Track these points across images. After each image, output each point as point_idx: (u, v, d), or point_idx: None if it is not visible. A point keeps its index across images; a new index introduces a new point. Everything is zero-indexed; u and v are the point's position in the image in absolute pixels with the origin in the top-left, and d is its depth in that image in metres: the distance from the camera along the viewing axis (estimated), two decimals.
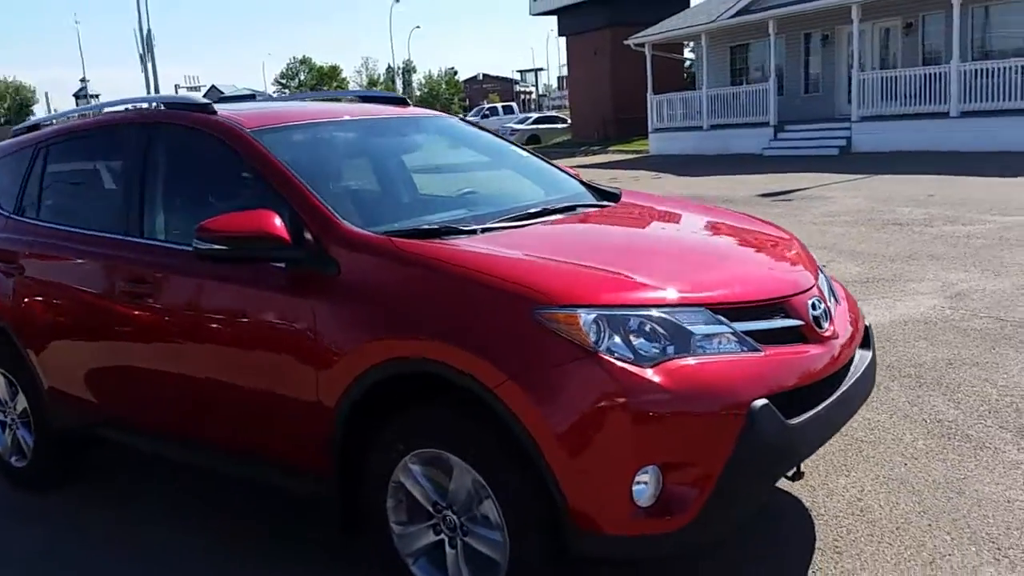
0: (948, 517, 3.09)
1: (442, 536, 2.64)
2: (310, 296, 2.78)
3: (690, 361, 2.34)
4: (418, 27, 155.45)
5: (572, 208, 3.38)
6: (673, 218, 3.52)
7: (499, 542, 2.47)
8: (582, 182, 3.88)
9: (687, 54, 31.16)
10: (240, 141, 3.15)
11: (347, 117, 3.76)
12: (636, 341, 2.34)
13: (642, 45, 25.21)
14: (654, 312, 2.40)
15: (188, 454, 3.38)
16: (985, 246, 7.90)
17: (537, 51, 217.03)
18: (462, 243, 2.76)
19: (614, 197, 3.64)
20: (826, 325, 2.72)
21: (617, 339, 2.32)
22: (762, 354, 2.45)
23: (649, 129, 25.06)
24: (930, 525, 3.05)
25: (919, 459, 3.58)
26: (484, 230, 2.91)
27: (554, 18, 34.42)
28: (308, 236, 2.83)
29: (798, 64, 22.97)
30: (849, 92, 20.15)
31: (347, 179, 3.46)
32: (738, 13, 21.78)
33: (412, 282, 2.61)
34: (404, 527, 2.72)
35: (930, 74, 17.96)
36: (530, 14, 34.86)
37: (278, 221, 2.79)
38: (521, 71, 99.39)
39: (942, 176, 13.61)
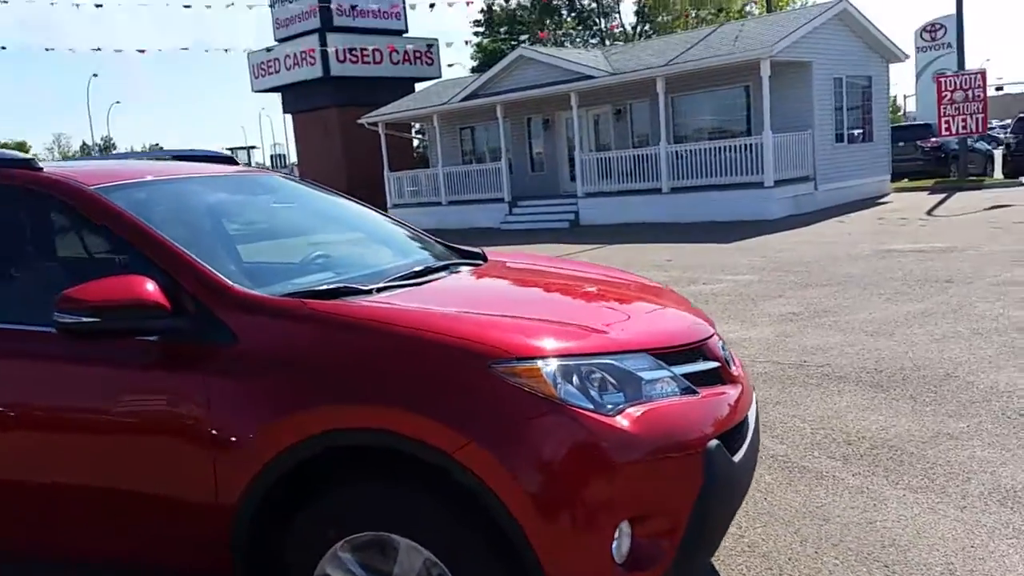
0: (828, 543, 3.30)
1: None
2: (198, 371, 2.43)
3: (646, 407, 2.32)
4: (118, 102, 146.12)
5: (448, 267, 3.28)
6: (559, 274, 3.52)
7: None
8: (438, 241, 3.79)
9: (415, 133, 32.01)
10: (87, 200, 2.73)
11: (189, 175, 3.40)
12: (594, 390, 2.28)
13: (375, 124, 25.56)
14: (607, 360, 2.36)
15: None
16: (731, 301, 8.73)
17: (249, 128, 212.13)
18: (379, 302, 2.56)
19: (480, 256, 3.58)
20: (733, 366, 2.83)
21: (577, 389, 2.25)
22: (699, 396, 2.49)
23: (388, 205, 25.27)
24: (816, 552, 3.24)
25: (774, 492, 3.81)
26: (379, 290, 2.73)
27: (273, 95, 33.93)
28: (189, 302, 2.48)
29: (524, 145, 24.42)
30: (571, 171, 21.78)
31: (211, 240, 3.10)
32: (467, 97, 22.83)
33: (339, 346, 2.36)
34: None
35: (642, 155, 19.84)
36: (252, 91, 34.11)
37: (152, 286, 2.43)
38: (232, 148, 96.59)
39: (670, 244, 14.98)
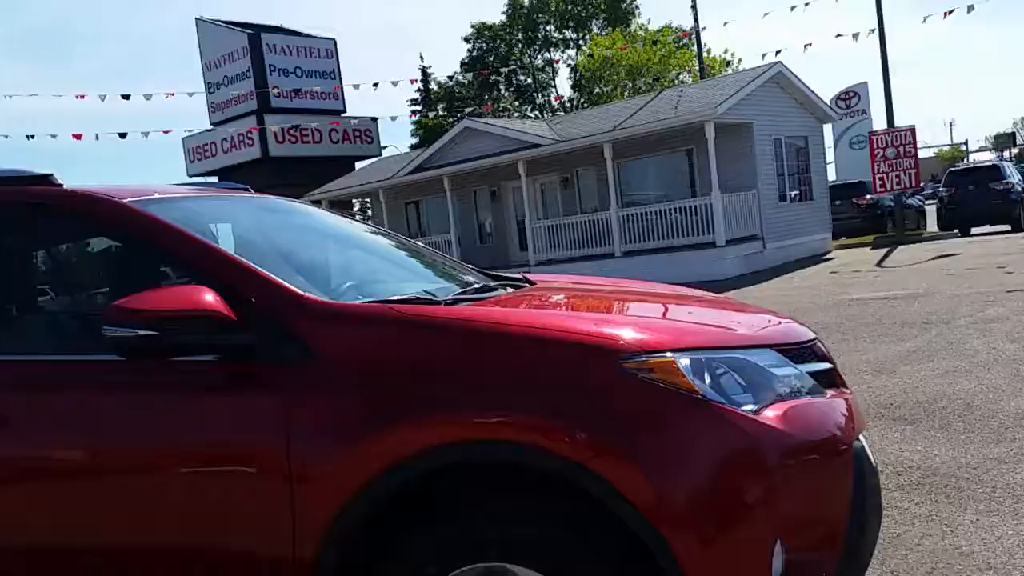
0: (920, 572, 3.07)
1: None
2: (273, 393, 2.12)
3: (786, 405, 2.08)
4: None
5: (504, 285, 3.03)
6: (630, 289, 3.27)
7: None
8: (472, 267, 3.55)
9: (358, 211, 31.84)
10: (124, 213, 2.44)
11: (219, 194, 3.11)
12: (731, 385, 2.04)
13: (318, 202, 25.29)
14: (736, 355, 2.13)
15: None
16: None
17: None
18: (469, 308, 2.30)
19: (526, 280, 3.34)
20: None
21: (713, 385, 2.01)
22: (827, 396, 2.27)
23: None
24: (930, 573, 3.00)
25: None
26: (451, 303, 2.47)
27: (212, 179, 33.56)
28: (256, 316, 2.19)
29: (472, 217, 24.39)
30: (521, 240, 21.77)
31: (266, 252, 2.77)
32: (414, 171, 22.82)
33: (439, 351, 2.09)
34: None
35: (593, 220, 19.95)
36: (188, 175, 33.65)
37: (213, 296, 2.14)
38: None
39: None
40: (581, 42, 45.23)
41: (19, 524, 2.34)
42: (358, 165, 30.59)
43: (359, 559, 2.12)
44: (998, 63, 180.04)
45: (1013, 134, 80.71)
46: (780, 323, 2.57)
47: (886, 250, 19.32)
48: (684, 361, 2.00)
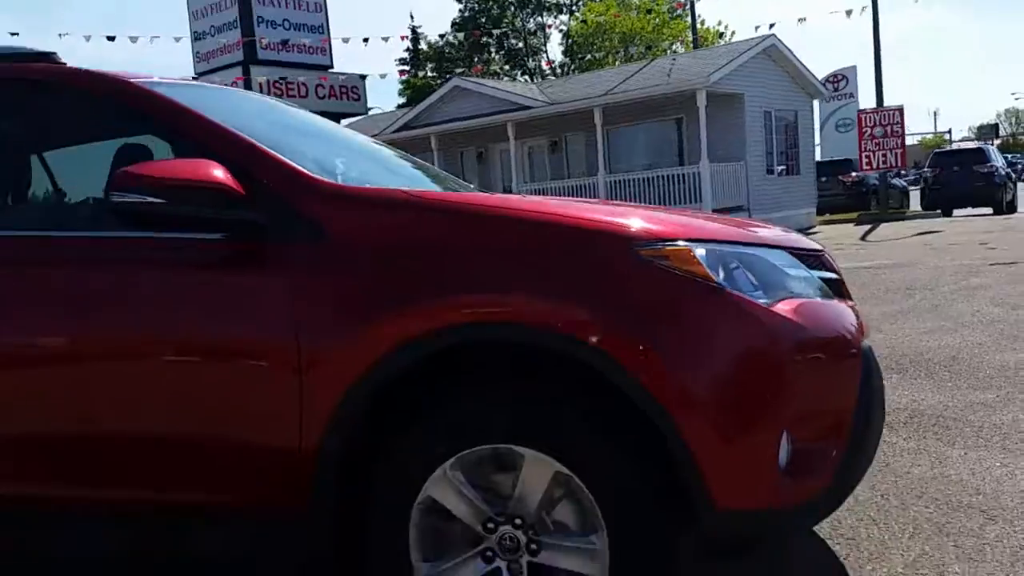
0: (911, 495, 3.14)
1: (497, 564, 2.03)
2: (282, 273, 2.08)
3: (798, 302, 2.07)
4: None
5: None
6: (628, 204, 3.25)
7: (593, 550, 1.95)
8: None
9: None
10: (131, 91, 2.37)
11: (214, 87, 3.05)
12: (745, 278, 2.03)
13: None
14: (751, 250, 2.12)
15: (84, 530, 2.28)
16: None
17: None
18: (483, 195, 2.26)
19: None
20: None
21: (733, 278, 1.99)
22: (835, 301, 2.26)
23: None
24: (902, 504, 3.05)
25: None
26: None
27: None
28: (266, 195, 2.14)
29: (458, 178, 24.27)
30: None
31: (275, 136, 2.68)
32: (401, 128, 22.63)
33: (455, 234, 2.06)
34: (436, 563, 2.06)
35: (581, 186, 19.90)
36: None
37: (223, 172, 2.09)
38: None
39: None
40: (575, 7, 44.85)
41: (17, 409, 2.29)
42: (343, 123, 30.29)
43: (364, 446, 2.09)
44: (984, 56, 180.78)
45: (996, 125, 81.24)
46: (791, 233, 2.56)
47: (870, 226, 19.43)
48: (700, 251, 1.98)
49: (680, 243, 1.98)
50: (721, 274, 1.97)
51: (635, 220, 2.07)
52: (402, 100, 42.63)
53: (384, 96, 57.83)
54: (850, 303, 2.39)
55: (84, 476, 2.23)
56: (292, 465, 2.05)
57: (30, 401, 2.26)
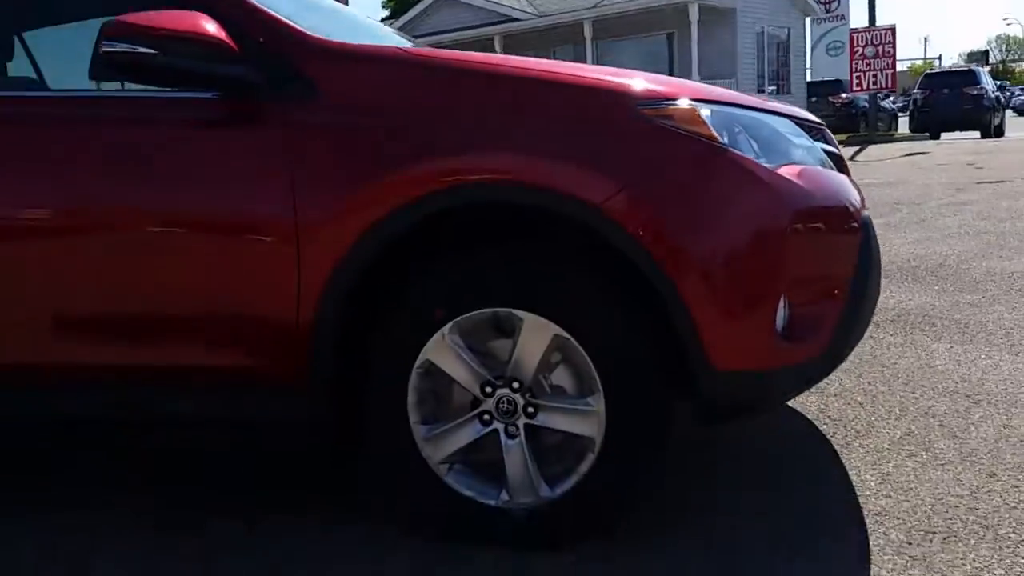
0: (898, 382, 3.19)
1: (494, 426, 2.04)
2: (276, 129, 2.03)
3: (800, 168, 2.05)
4: None
5: None
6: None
7: (589, 411, 1.96)
8: None
9: None
10: None
11: None
12: (749, 142, 2.00)
13: None
14: (755, 115, 2.09)
15: (77, 402, 2.27)
16: None
17: None
18: (483, 55, 2.20)
19: None
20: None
21: (737, 141, 1.97)
22: (836, 173, 2.24)
23: None
24: (889, 389, 3.09)
25: None
26: None
27: None
28: (258, 51, 2.07)
29: None
30: None
31: None
32: None
33: (452, 91, 2.01)
34: (433, 426, 2.07)
35: None
36: None
37: (214, 26, 2.02)
38: None
39: None
40: None
41: (16, 274, 2.24)
42: None
43: (364, 309, 2.08)
44: None
45: (987, 52, 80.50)
46: (786, 105, 2.52)
47: (858, 147, 19.35)
48: (705, 111, 1.95)
49: (684, 102, 1.95)
50: (725, 136, 1.94)
51: (638, 80, 2.02)
52: (386, 12, 41.59)
53: (368, 6, 56.43)
54: (851, 178, 2.37)
55: (87, 340, 2.20)
56: (290, 329, 2.03)
57: (26, 267, 2.21)
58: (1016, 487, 2.22)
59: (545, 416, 2.00)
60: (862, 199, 2.26)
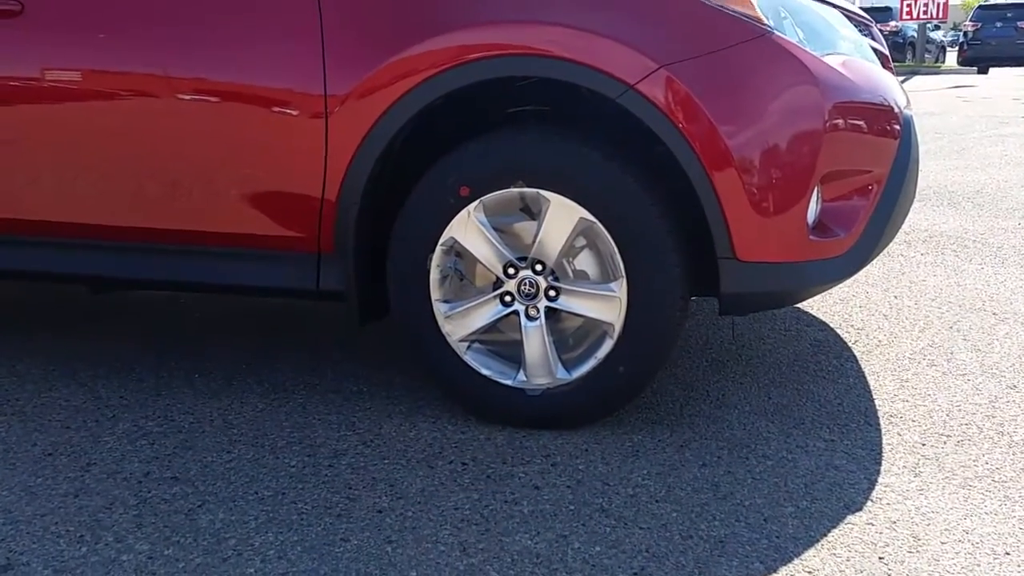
0: (925, 298, 3.16)
1: (515, 307, 2.04)
2: None
3: (846, 58, 1.99)
4: None
5: None
6: None
7: (611, 297, 1.95)
8: None
9: None
10: None
11: None
12: (793, 28, 1.94)
13: None
14: (804, 2, 2.01)
15: (119, 264, 2.29)
16: None
17: None
18: None
19: None
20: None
21: (783, 27, 1.90)
22: (882, 68, 2.17)
23: None
24: (915, 304, 3.06)
25: None
26: None
27: None
28: None
29: None
30: None
31: None
32: None
33: None
34: (455, 304, 2.07)
35: None
36: None
37: None
38: None
39: None
40: None
41: (35, 126, 2.25)
42: None
43: (390, 185, 2.07)
44: None
45: None
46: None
47: (904, 78, 18.79)
48: None
49: None
50: (771, 20, 1.88)
51: None
52: None
53: None
54: (895, 77, 2.30)
55: (115, 205, 2.22)
56: (315, 200, 2.03)
57: (55, 128, 2.22)
58: None
59: (566, 300, 2.00)
60: (907, 99, 2.19)
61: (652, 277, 1.91)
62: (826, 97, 1.85)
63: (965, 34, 21.21)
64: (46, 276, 2.45)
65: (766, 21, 1.85)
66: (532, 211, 2.00)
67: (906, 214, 2.15)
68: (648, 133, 1.84)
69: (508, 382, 2.06)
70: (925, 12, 20.65)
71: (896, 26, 22.86)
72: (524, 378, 2.05)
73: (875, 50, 2.22)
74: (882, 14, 23.71)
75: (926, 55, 22.08)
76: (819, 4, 2.06)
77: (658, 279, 1.91)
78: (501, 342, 2.09)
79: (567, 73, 1.85)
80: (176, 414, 2.23)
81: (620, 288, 1.94)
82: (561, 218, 1.94)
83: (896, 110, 2.05)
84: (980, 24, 20.69)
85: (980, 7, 22.28)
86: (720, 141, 1.80)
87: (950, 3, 21.91)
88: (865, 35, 2.23)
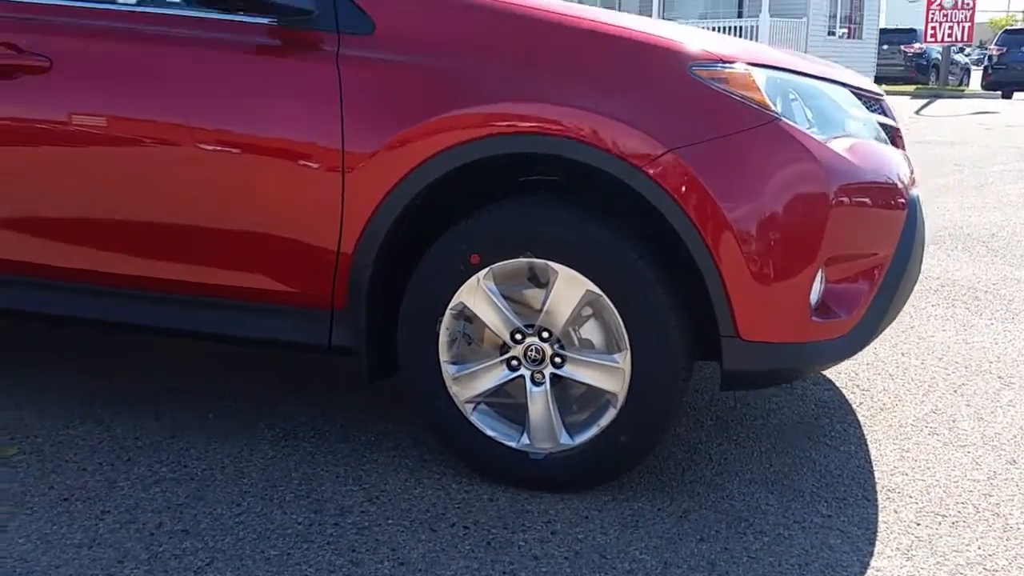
0: (932, 356, 3.17)
1: (521, 372, 2.09)
2: (329, 61, 2.05)
3: (853, 141, 2.02)
4: None
5: None
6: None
7: (614, 368, 1.99)
8: None
9: None
10: None
11: None
12: (803, 111, 1.97)
13: None
14: (814, 83, 2.05)
15: (135, 312, 2.36)
16: None
17: None
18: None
19: None
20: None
21: (791, 109, 1.94)
22: (889, 146, 2.21)
23: None
24: (922, 363, 3.08)
25: None
26: None
27: None
28: None
29: None
30: None
31: None
32: None
33: (508, 37, 2.00)
34: (463, 366, 2.12)
35: None
36: None
37: None
38: None
39: None
40: None
41: (58, 177, 2.31)
42: None
43: (403, 249, 2.12)
44: None
45: None
46: (848, 72, 2.47)
47: (926, 101, 18.72)
48: (760, 76, 1.92)
49: (740, 67, 1.92)
50: (779, 103, 1.92)
51: (695, 39, 1.99)
52: None
53: None
54: (904, 153, 2.33)
55: (134, 253, 2.28)
56: (332, 258, 2.09)
57: (77, 177, 2.28)
58: None
59: (571, 368, 2.05)
60: (913, 176, 2.23)
61: (656, 351, 1.95)
62: (831, 184, 1.89)
63: (990, 58, 21.08)
64: (72, 321, 2.51)
65: (773, 107, 1.88)
66: (540, 280, 2.04)
67: (910, 293, 2.18)
68: (655, 211, 1.88)
69: (512, 444, 2.11)
70: (950, 35, 20.56)
71: (920, 48, 22.78)
72: (528, 441, 2.09)
73: (885, 126, 2.25)
74: (907, 35, 23.65)
75: (950, 77, 21.95)
76: (828, 84, 2.09)
77: (662, 353, 1.95)
78: (507, 405, 2.14)
79: (580, 153, 1.90)
80: (189, 459, 2.29)
81: (624, 360, 1.98)
82: (568, 289, 1.99)
83: (902, 192, 2.09)
84: (1005, 48, 20.56)
85: (1006, 31, 22.13)
86: (726, 225, 1.84)
87: (976, 22, 21.80)
88: (876, 110, 2.27)
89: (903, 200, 2.08)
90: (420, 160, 1.98)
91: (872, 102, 2.29)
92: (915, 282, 2.20)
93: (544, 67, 1.95)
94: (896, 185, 2.07)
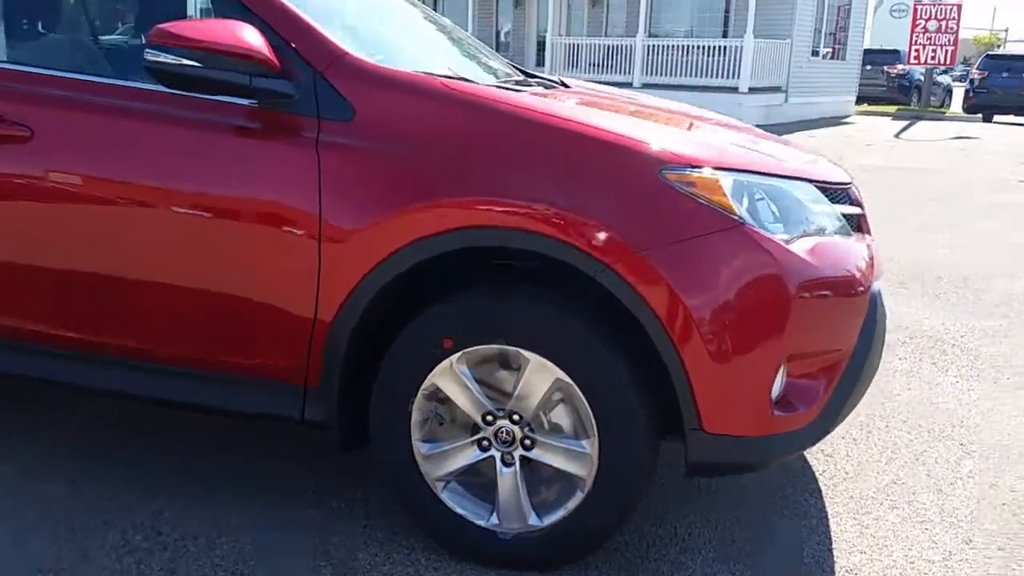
0: (896, 419, 3.23)
1: (491, 453, 2.14)
2: (309, 146, 2.08)
3: (816, 240, 2.09)
4: None
5: (540, 83, 2.95)
6: (669, 107, 3.17)
7: (582, 453, 2.04)
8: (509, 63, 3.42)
9: None
10: None
11: None
12: (767, 212, 2.03)
13: None
14: (778, 183, 2.11)
15: (105, 377, 2.39)
16: None
17: None
18: (516, 95, 2.23)
19: (558, 82, 3.22)
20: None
21: (756, 209, 2.00)
22: (853, 239, 2.27)
23: None
24: (887, 425, 3.16)
25: None
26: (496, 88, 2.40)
27: None
28: (298, 66, 2.12)
29: (491, 24, 23.50)
30: (540, 55, 21.10)
31: (317, 9, 2.62)
32: None
33: (482, 132, 2.05)
34: (434, 444, 2.17)
35: (616, 45, 19.28)
36: None
37: (258, 38, 2.06)
38: None
39: None
40: None
41: (34, 245, 2.34)
42: None
43: (377, 329, 2.16)
44: None
45: None
46: (818, 160, 2.54)
47: (907, 123, 18.95)
48: (727, 181, 1.98)
49: (707, 171, 1.98)
50: (745, 203, 1.98)
51: (666, 140, 2.05)
52: None
53: None
54: (869, 239, 2.40)
55: (107, 319, 2.31)
56: (305, 338, 2.13)
57: (52, 245, 2.31)
58: (988, 559, 2.30)
59: (541, 451, 2.09)
60: (877, 268, 2.29)
61: (623, 438, 2.00)
62: (791, 285, 1.95)
63: (972, 81, 21.32)
64: (41, 381, 2.53)
65: (737, 212, 1.94)
66: (512, 365, 2.09)
67: (870, 382, 2.25)
68: (623, 306, 1.94)
69: (481, 523, 2.15)
70: (933, 58, 20.80)
71: (903, 69, 23.02)
72: (497, 521, 2.14)
73: (849, 216, 2.31)
74: (890, 56, 23.89)
75: (931, 98, 22.21)
76: (793, 182, 2.14)
77: (629, 441, 2.00)
78: (477, 483, 2.18)
79: (552, 249, 1.94)
80: (163, 524, 2.33)
81: (592, 446, 2.03)
82: (539, 376, 2.03)
83: (863, 286, 2.15)
84: (987, 73, 20.81)
85: (988, 56, 22.38)
86: (691, 324, 1.89)
87: (961, 39, 22.06)
88: (842, 200, 2.33)
89: (864, 296, 2.14)
90: (395, 248, 2.02)
91: (839, 192, 2.35)
92: (876, 371, 2.26)
93: (520, 164, 1.99)
94: (858, 281, 2.13)
